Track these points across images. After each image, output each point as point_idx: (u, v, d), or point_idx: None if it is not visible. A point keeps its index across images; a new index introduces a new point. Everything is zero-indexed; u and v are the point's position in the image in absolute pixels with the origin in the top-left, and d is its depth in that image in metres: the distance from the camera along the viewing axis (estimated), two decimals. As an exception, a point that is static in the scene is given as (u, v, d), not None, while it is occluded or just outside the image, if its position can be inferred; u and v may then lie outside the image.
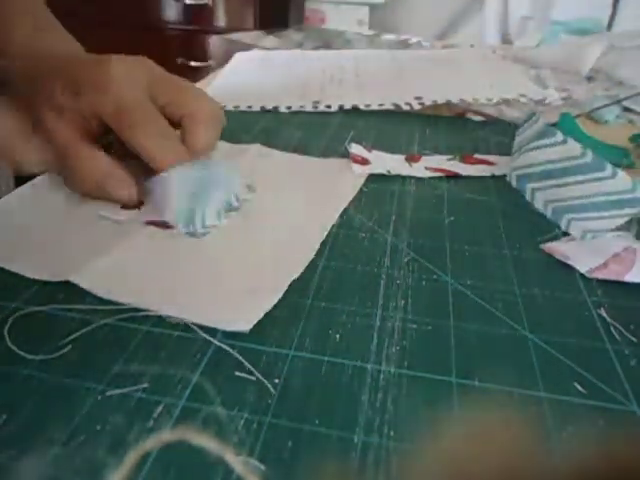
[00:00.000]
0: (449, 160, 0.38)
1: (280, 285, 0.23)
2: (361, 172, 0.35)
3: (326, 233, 0.28)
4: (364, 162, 0.36)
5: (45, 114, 0.29)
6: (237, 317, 0.21)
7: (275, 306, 0.22)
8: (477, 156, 0.39)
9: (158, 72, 0.32)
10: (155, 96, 0.30)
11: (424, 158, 0.38)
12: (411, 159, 0.38)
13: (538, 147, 0.32)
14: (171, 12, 1.58)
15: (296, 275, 0.24)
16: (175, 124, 0.31)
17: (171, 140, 0.29)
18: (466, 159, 0.38)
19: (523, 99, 0.50)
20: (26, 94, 0.31)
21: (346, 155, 0.37)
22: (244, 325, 0.21)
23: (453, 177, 0.35)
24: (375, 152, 0.38)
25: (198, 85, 0.34)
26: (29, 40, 0.34)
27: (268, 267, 0.25)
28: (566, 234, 0.29)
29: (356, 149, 0.37)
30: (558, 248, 0.27)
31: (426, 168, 0.36)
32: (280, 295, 0.23)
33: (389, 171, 0.35)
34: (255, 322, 0.21)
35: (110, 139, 0.32)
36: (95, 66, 0.30)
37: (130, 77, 0.30)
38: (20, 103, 0.32)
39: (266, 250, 0.26)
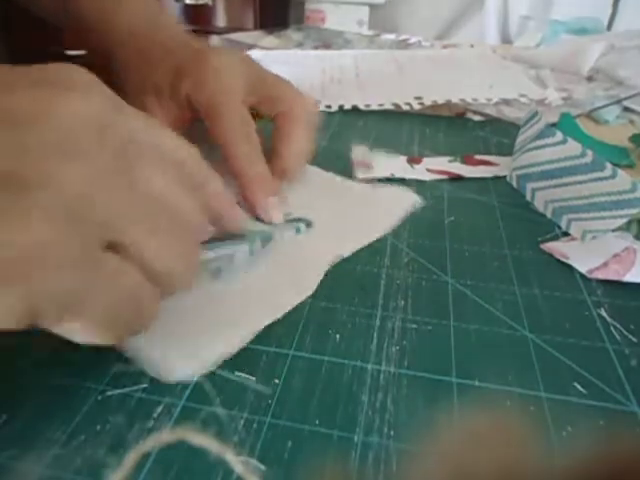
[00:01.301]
0: (450, 162, 0.38)
1: (240, 337, 0.21)
2: (365, 177, 0.34)
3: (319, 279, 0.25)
4: (367, 166, 0.36)
5: (146, 96, 0.30)
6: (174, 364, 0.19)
7: (275, 306, 0.22)
8: (478, 157, 0.39)
9: (256, 68, 0.32)
10: (252, 92, 0.30)
11: (425, 160, 0.38)
12: (412, 161, 0.38)
13: (538, 147, 0.32)
14: (171, 12, 1.58)
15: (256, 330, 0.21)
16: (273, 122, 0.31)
17: (252, 145, 0.29)
18: (467, 160, 0.38)
19: (523, 99, 0.50)
20: (132, 81, 0.32)
21: (348, 159, 0.37)
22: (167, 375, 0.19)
23: (456, 179, 0.35)
24: (376, 154, 0.38)
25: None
26: (134, 26, 0.34)
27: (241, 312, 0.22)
28: (566, 234, 0.29)
29: (357, 153, 0.37)
30: (558, 248, 0.27)
31: (428, 170, 0.36)
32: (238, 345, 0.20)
33: (393, 174, 0.35)
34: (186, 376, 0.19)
35: None
36: (197, 56, 0.30)
37: (229, 71, 0.30)
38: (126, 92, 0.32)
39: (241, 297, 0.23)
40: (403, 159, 0.38)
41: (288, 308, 0.23)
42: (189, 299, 0.22)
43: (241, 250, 0.24)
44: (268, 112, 0.31)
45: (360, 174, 0.35)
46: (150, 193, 0.17)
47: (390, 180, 0.34)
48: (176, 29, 0.36)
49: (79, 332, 0.16)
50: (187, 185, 0.20)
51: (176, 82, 0.29)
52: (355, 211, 0.30)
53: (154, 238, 0.17)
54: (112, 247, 0.16)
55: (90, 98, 0.17)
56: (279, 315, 0.22)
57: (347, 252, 0.27)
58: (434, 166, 0.37)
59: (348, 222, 0.29)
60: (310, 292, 0.24)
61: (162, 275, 0.17)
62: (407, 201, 0.31)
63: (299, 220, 0.28)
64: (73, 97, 0.16)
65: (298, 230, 0.28)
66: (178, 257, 0.18)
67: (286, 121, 0.31)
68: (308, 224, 0.28)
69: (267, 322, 0.21)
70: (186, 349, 0.20)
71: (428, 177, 0.35)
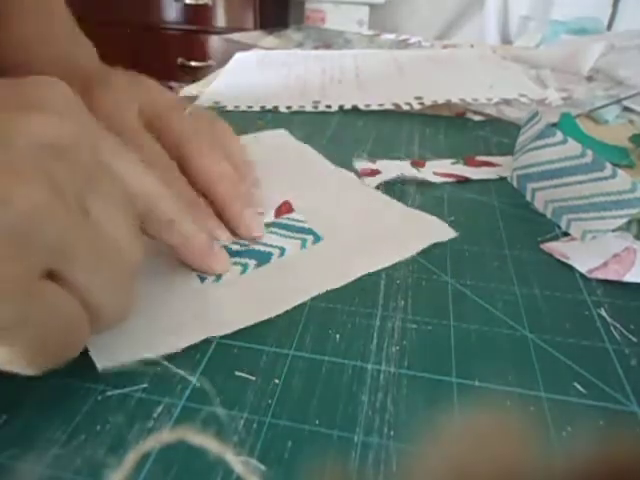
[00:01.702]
0: (453, 164, 0.37)
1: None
2: (374, 183, 0.33)
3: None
4: (374, 173, 0.35)
5: None
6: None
7: (275, 306, 0.22)
8: (479, 158, 0.39)
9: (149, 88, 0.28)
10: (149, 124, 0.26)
11: (428, 163, 0.37)
12: (416, 164, 0.37)
13: (538, 147, 0.32)
14: (171, 12, 1.59)
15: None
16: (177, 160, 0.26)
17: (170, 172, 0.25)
18: (469, 161, 0.38)
19: (523, 99, 0.50)
20: None
21: (348, 166, 0.37)
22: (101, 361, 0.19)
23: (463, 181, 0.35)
24: (379, 162, 0.37)
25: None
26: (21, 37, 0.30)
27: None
28: (566, 234, 0.29)
29: (361, 163, 0.36)
30: (558, 248, 0.27)
31: (435, 173, 0.36)
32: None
33: (403, 174, 0.34)
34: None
35: None
36: (84, 83, 0.25)
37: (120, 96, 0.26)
38: None
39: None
40: (407, 163, 0.37)
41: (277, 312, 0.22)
42: (176, 290, 0.23)
43: (231, 270, 0.24)
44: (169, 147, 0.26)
45: (370, 182, 0.33)
46: (101, 229, 0.17)
47: (396, 180, 0.34)
48: (68, 46, 0.32)
49: (1, 360, 0.15)
50: (150, 224, 0.20)
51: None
52: (380, 229, 0.28)
53: (97, 276, 0.16)
54: (50, 275, 0.15)
55: (56, 120, 0.16)
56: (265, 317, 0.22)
57: (351, 277, 0.24)
58: (439, 169, 0.36)
59: (366, 240, 0.27)
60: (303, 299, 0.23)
61: (99, 313, 0.17)
62: (441, 233, 0.28)
63: (308, 231, 0.27)
64: (37, 119, 0.16)
65: (303, 244, 0.27)
66: (118, 297, 0.18)
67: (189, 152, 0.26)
68: (317, 238, 0.27)
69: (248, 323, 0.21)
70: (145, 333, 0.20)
71: (436, 180, 0.35)
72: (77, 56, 0.33)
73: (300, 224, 0.28)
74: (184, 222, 0.22)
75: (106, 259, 0.17)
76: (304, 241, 0.27)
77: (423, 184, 0.34)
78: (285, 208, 0.29)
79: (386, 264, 0.25)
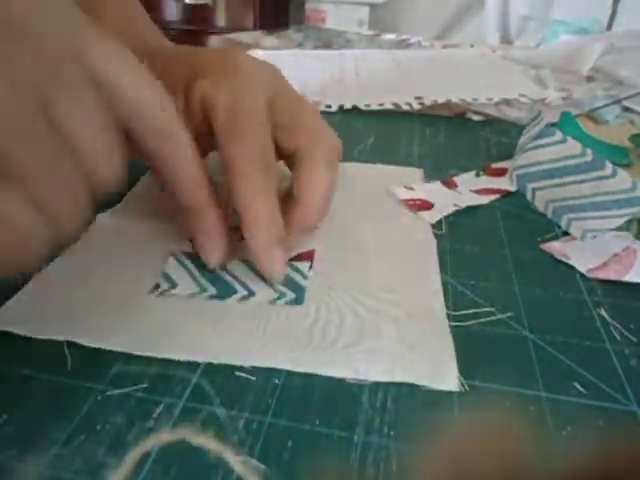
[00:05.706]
0: (477, 176, 0.35)
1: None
2: (433, 219, 0.29)
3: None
4: (425, 205, 0.31)
5: None
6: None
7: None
8: (494, 165, 0.37)
9: (283, 84, 0.27)
10: (273, 111, 0.25)
11: (456, 179, 0.35)
12: (447, 184, 0.34)
13: (538, 146, 0.32)
14: (171, 12, 1.59)
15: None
16: (286, 154, 0.26)
17: (271, 200, 0.23)
18: (489, 171, 0.36)
19: (523, 99, 0.50)
20: None
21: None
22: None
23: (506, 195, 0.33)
24: (418, 187, 0.33)
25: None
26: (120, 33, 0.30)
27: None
28: (566, 234, 0.29)
29: (400, 192, 0.32)
30: (558, 248, 0.27)
31: (474, 191, 0.33)
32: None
33: (457, 205, 0.31)
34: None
35: None
36: (224, 53, 0.26)
37: (258, 77, 0.25)
38: None
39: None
40: (437, 183, 0.34)
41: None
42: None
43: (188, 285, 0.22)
44: (285, 143, 0.26)
45: (427, 218, 0.29)
46: (64, 132, 0.16)
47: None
48: (162, 39, 0.33)
49: None
50: (137, 133, 0.19)
51: (189, 82, 0.24)
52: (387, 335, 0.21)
53: (52, 184, 0.15)
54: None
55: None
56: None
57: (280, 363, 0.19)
58: (473, 186, 0.34)
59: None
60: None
61: (56, 222, 0.16)
62: (445, 380, 0.19)
63: (295, 288, 0.23)
64: None
65: (278, 298, 0.22)
66: (77, 205, 0.16)
67: (308, 160, 0.25)
68: (297, 299, 0.22)
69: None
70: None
71: (486, 200, 0.32)
72: (157, 36, 0.33)
73: (297, 277, 0.24)
74: (180, 134, 0.20)
75: (65, 166, 0.16)
76: (281, 295, 0.22)
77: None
78: (305, 257, 0.25)
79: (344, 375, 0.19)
